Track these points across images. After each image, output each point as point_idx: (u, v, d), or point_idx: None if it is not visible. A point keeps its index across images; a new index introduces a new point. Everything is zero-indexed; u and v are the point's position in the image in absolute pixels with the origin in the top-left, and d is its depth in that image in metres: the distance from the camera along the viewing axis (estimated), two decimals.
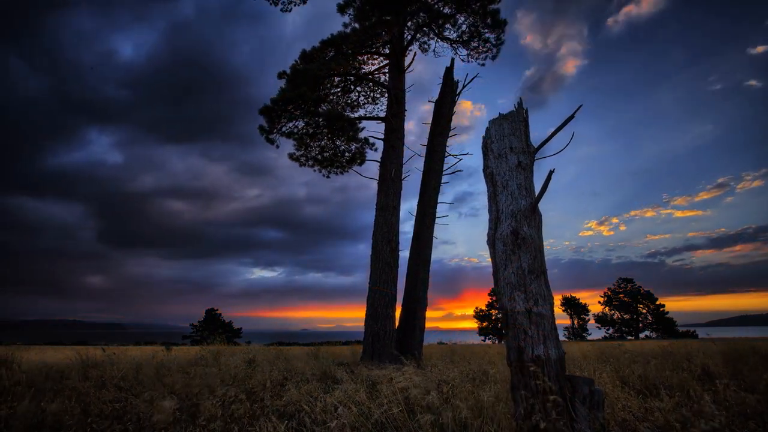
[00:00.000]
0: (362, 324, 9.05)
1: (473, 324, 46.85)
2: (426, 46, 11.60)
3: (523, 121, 3.31)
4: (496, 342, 40.41)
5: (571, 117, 3.08)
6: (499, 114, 3.44)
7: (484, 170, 3.34)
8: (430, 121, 10.42)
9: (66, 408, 2.69)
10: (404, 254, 9.79)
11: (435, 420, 2.27)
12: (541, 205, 3.00)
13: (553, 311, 2.77)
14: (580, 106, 3.16)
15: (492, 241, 3.03)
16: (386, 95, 10.96)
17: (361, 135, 10.52)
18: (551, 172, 2.88)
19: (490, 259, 3.04)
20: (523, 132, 3.26)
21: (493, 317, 45.75)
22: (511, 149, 3.18)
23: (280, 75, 10.13)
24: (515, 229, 2.88)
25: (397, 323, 9.07)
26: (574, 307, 46.20)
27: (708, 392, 3.67)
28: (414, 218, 10.06)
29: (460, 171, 10.89)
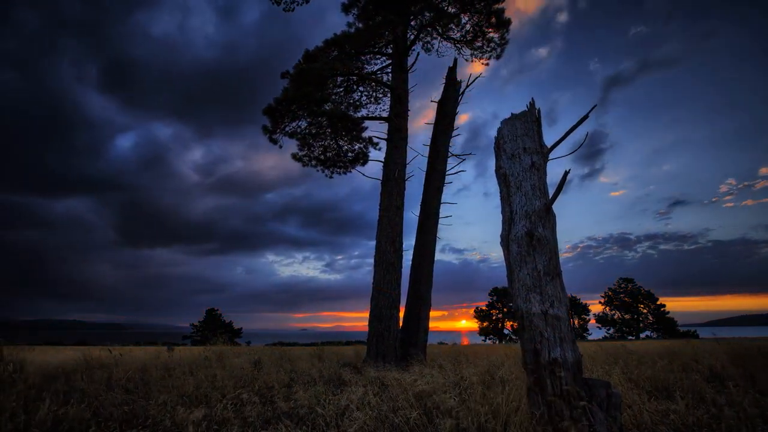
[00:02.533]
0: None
1: (473, 324, 46.85)
2: (429, 46, 11.57)
3: (535, 121, 3.29)
4: (497, 342, 40.42)
5: (585, 117, 3.06)
6: (511, 114, 3.42)
7: (496, 171, 3.32)
8: (433, 121, 10.40)
9: (77, 411, 2.65)
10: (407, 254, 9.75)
11: (455, 425, 2.24)
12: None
13: (568, 313, 2.75)
14: (595, 106, 3.13)
15: (506, 243, 3.01)
16: (389, 95, 10.93)
17: (365, 135, 10.50)
18: (566, 173, 2.85)
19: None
20: (536, 132, 3.24)
21: (494, 317, 45.73)
22: (524, 149, 3.15)
23: (283, 75, 10.09)
24: (530, 231, 2.86)
25: (400, 323, 9.03)
26: (574, 307, 46.21)
27: (720, 394, 3.65)
28: (417, 219, 10.03)
29: (463, 171, 10.86)
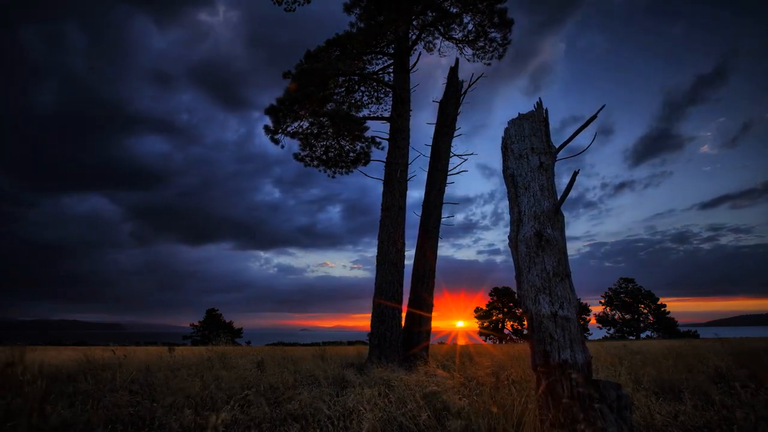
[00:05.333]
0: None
1: (474, 324, 46.84)
2: (431, 46, 11.55)
3: (543, 121, 3.27)
4: (497, 342, 40.43)
5: (594, 117, 3.05)
6: (518, 114, 3.40)
7: (503, 171, 3.30)
8: (434, 121, 10.39)
9: (83, 413, 2.64)
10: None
11: (465, 426, 2.23)
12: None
13: (577, 315, 2.74)
14: (603, 106, 3.12)
15: (514, 243, 3.00)
16: (391, 95, 10.91)
17: (367, 135, 10.49)
18: (576, 173, 2.84)
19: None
20: (544, 132, 3.23)
21: (494, 317, 45.74)
22: (532, 149, 3.14)
23: (285, 75, 10.08)
24: (539, 231, 2.85)
25: (403, 323, 9.03)
26: None
27: (728, 395, 3.64)
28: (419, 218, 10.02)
29: (465, 171, 10.85)
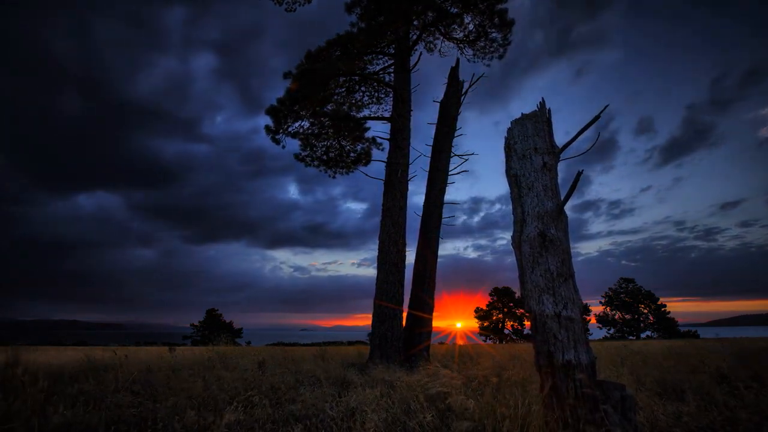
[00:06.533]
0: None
1: (473, 323, 46.83)
2: (432, 46, 11.55)
3: (546, 121, 3.27)
4: (497, 342, 40.43)
5: (597, 117, 3.04)
6: (522, 114, 3.40)
7: (507, 171, 3.30)
8: (435, 121, 10.38)
9: (86, 414, 2.63)
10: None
11: (471, 427, 2.22)
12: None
13: (581, 315, 2.73)
14: (607, 105, 3.11)
15: (517, 244, 2.99)
16: (391, 95, 10.91)
17: (367, 135, 10.48)
18: (579, 173, 2.83)
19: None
20: (547, 132, 3.22)
21: (494, 317, 45.73)
22: (535, 150, 3.13)
23: (286, 75, 10.07)
24: (542, 231, 2.84)
25: (404, 323, 9.03)
26: None
27: (731, 396, 3.63)
28: (420, 219, 10.02)
29: (466, 171, 10.84)
